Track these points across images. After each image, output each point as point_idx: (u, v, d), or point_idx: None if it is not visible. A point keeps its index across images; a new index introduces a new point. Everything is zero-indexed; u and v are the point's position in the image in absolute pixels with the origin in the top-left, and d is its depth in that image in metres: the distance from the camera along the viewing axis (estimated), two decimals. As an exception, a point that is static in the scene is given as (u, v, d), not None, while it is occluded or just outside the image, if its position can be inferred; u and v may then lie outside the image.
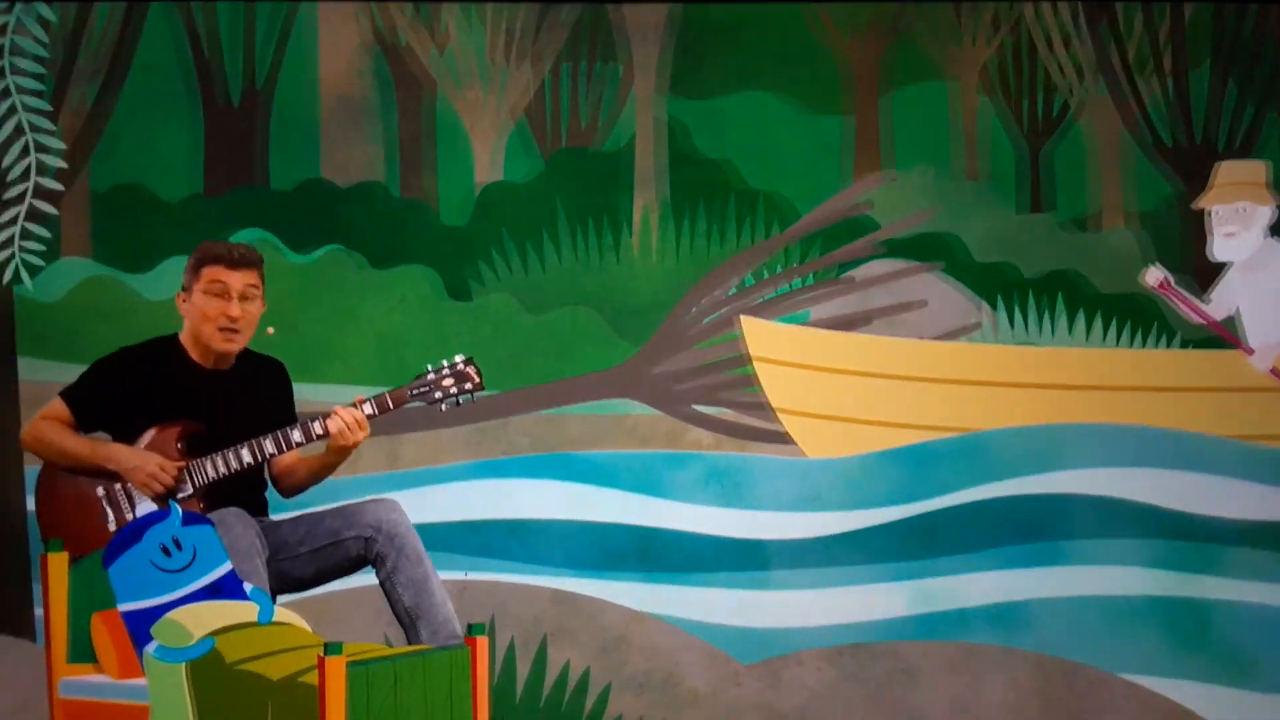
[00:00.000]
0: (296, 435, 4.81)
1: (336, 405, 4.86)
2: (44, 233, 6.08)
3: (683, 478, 6.15)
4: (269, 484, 5.04)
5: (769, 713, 6.10)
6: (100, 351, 5.04)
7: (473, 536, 6.09)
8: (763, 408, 6.16)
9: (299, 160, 6.17)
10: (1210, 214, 6.11)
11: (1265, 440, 6.10)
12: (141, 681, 4.19)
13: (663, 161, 6.20)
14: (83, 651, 4.49)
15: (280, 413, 4.99)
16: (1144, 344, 6.18)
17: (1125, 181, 6.23)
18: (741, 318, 6.06)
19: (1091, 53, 6.23)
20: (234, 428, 4.85)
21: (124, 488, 4.83)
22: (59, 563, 4.53)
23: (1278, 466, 6.13)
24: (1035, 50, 6.25)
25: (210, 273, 4.86)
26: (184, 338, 4.94)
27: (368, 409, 4.84)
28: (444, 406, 4.93)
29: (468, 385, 4.93)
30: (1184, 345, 6.19)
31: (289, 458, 4.98)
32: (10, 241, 6.06)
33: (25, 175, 6.05)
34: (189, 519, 4.34)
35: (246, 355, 4.99)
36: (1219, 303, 6.10)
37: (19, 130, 6.05)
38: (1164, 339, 6.19)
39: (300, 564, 4.81)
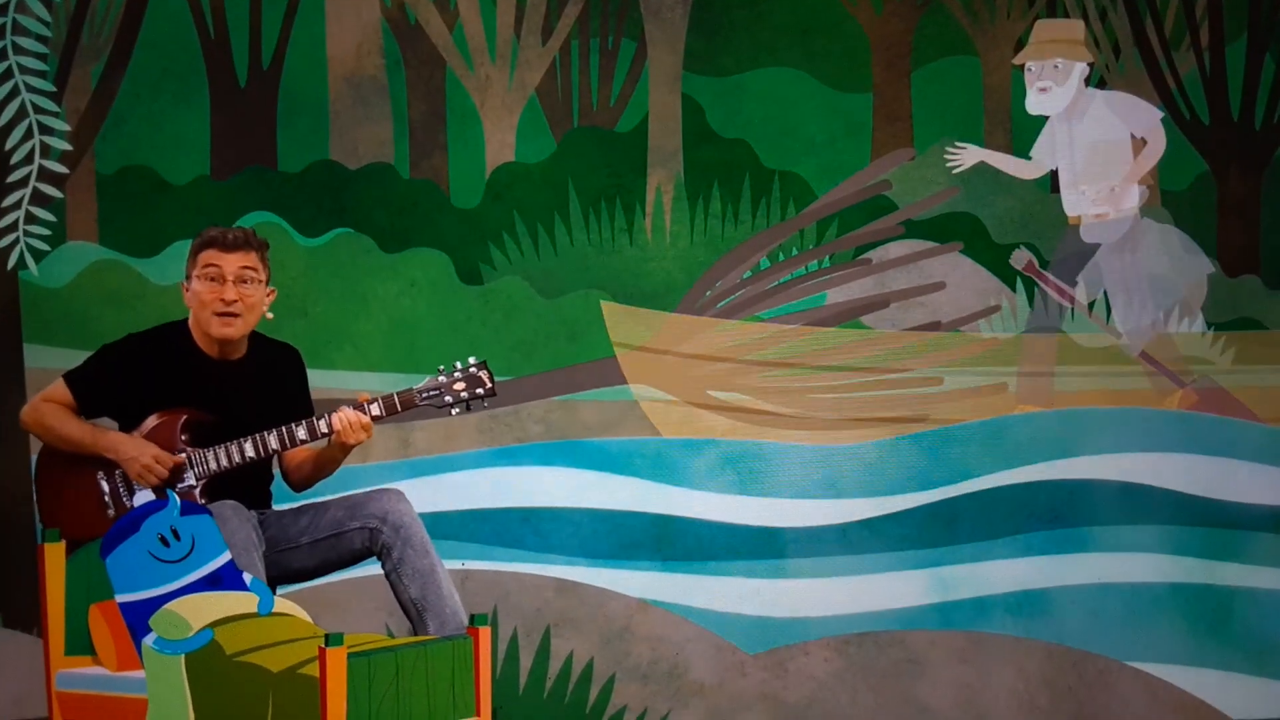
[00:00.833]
0: (301, 433, 4.77)
1: (343, 403, 4.80)
2: (49, 217, 6.06)
3: (698, 464, 6.11)
4: (274, 476, 4.99)
5: (775, 703, 6.06)
6: (108, 337, 5.00)
7: (484, 525, 6.08)
8: (779, 392, 6.09)
9: (307, 142, 6.14)
10: (1027, 70, 6.14)
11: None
12: (140, 674, 4.18)
13: (678, 141, 6.17)
14: (81, 643, 4.48)
15: (293, 402, 4.94)
16: (1166, 325, 6.12)
17: (1158, 158, 6.20)
18: (602, 303, 6.03)
19: (1127, 26, 6.16)
20: (244, 418, 4.80)
21: (123, 476, 4.79)
22: (56, 553, 4.53)
23: (1304, 451, 6.10)
24: (1069, 24, 6.23)
25: (205, 257, 4.82)
26: (191, 326, 4.89)
27: (374, 410, 4.79)
28: (454, 411, 4.86)
29: (479, 390, 4.87)
30: (1206, 327, 6.12)
31: (299, 452, 4.93)
32: (15, 226, 6.04)
33: (29, 158, 6.03)
34: (187, 509, 4.33)
35: (258, 343, 4.94)
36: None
37: (23, 112, 6.03)
38: (1185, 320, 6.12)
39: (303, 555, 4.77)
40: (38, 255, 6.05)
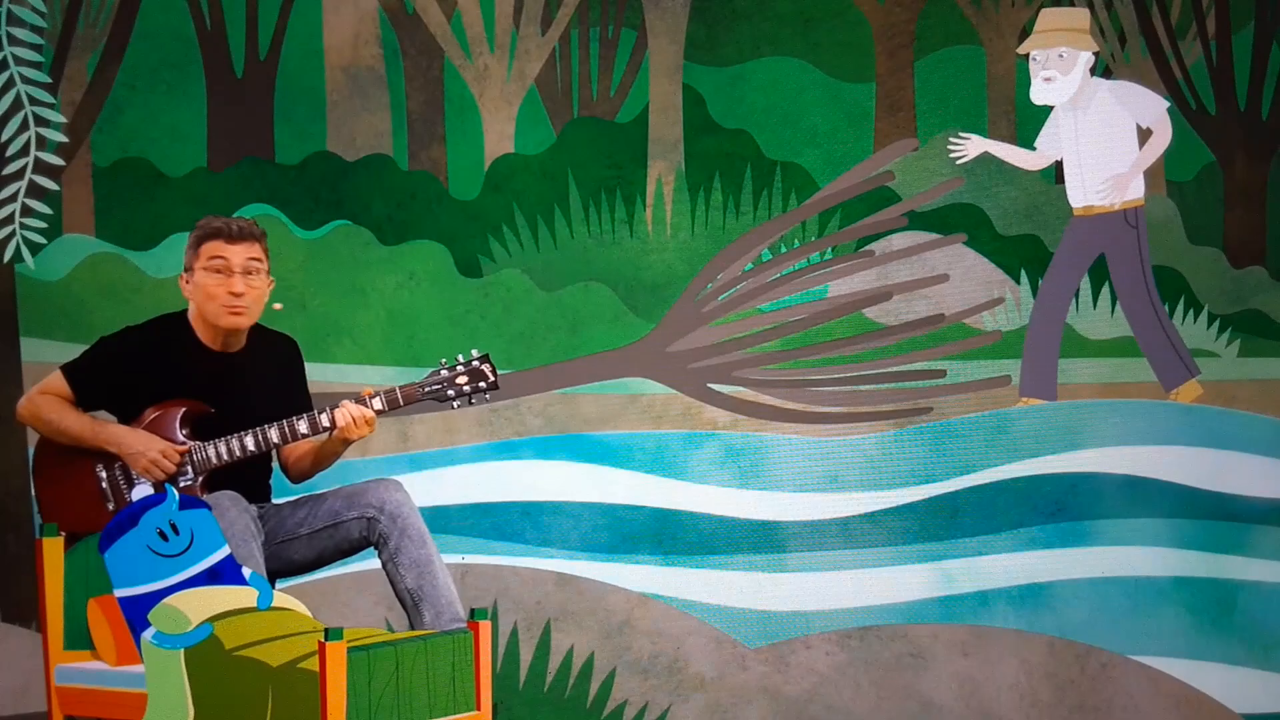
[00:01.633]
0: (303, 427, 4.75)
1: (343, 397, 4.78)
2: (45, 209, 6.04)
3: (698, 458, 6.10)
4: (273, 470, 4.98)
5: (776, 697, 6.04)
6: (105, 330, 4.98)
7: (484, 518, 6.07)
8: (780, 385, 6.08)
9: (305, 133, 6.12)
10: (1032, 59, 6.13)
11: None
12: (139, 668, 4.18)
13: (679, 132, 6.15)
14: (80, 638, 4.47)
15: (292, 394, 4.92)
16: (1170, 317, 6.11)
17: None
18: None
19: (1132, 15, 6.14)
20: (244, 410, 4.79)
21: (122, 468, 4.77)
22: (54, 547, 4.52)
23: (1309, 444, 6.10)
24: (1074, 13, 6.21)
25: (210, 249, 4.79)
26: (191, 318, 4.86)
27: (377, 404, 4.78)
28: (456, 405, 4.85)
29: (482, 384, 4.86)
30: (1211, 319, 6.10)
31: (300, 446, 4.92)
32: (11, 218, 6.02)
33: (25, 150, 6.01)
34: (186, 503, 4.33)
35: (257, 334, 4.92)
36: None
37: (18, 103, 6.01)
38: (1191, 313, 6.11)
39: (301, 547, 4.75)
40: (34, 248, 6.03)
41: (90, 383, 4.82)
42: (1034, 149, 6.13)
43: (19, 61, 5.99)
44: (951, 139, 6.11)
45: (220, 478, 4.75)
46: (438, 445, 6.09)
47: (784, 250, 6.14)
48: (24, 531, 5.86)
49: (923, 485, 6.08)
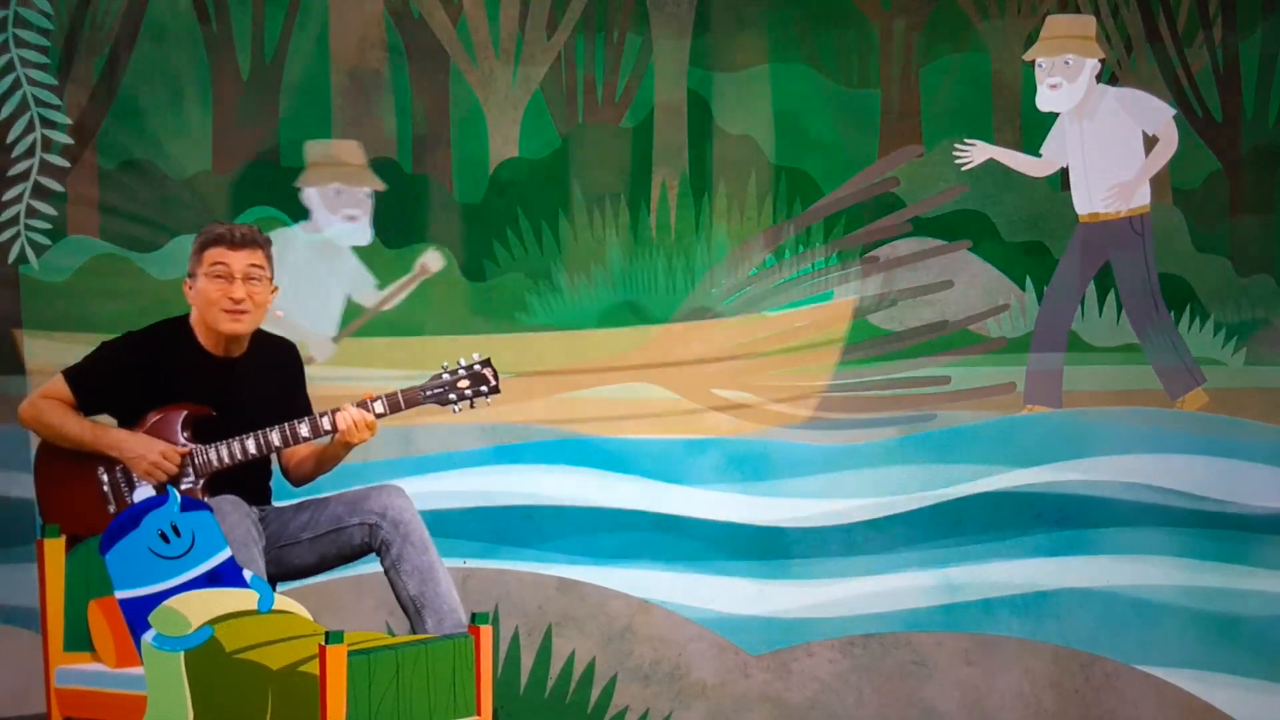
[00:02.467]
0: (304, 430, 4.75)
1: (347, 402, 4.79)
2: (50, 210, 6.05)
3: (701, 463, 6.10)
4: (274, 473, 4.97)
5: (778, 705, 6.04)
6: (109, 332, 4.99)
7: (486, 523, 6.07)
8: (784, 391, 6.07)
9: (310, 136, 6.12)
10: (1038, 66, 6.12)
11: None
12: (139, 670, 4.17)
13: (683, 137, 6.14)
14: (80, 639, 4.46)
15: (292, 397, 4.92)
16: (1176, 325, 6.10)
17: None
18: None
19: (1139, 22, 6.13)
20: (245, 414, 4.79)
21: (123, 470, 4.76)
22: (55, 549, 4.52)
23: (1315, 454, 6.09)
24: (1081, 20, 6.21)
25: (212, 255, 4.80)
26: (193, 323, 4.87)
27: (379, 408, 4.78)
28: (458, 408, 4.84)
29: (484, 387, 4.86)
30: (1216, 328, 6.08)
31: (300, 449, 4.92)
32: (16, 219, 6.03)
33: (31, 151, 6.02)
34: (188, 504, 4.32)
35: (258, 338, 4.92)
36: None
37: (24, 105, 6.02)
38: (1196, 321, 6.10)
39: (303, 551, 4.75)
40: (39, 249, 6.03)
41: (92, 388, 4.81)
42: (1039, 156, 6.13)
43: (25, 63, 6.00)
44: (957, 145, 6.11)
45: (221, 481, 4.74)
46: (439, 449, 6.08)
47: (788, 256, 6.14)
48: (25, 532, 5.86)
49: (927, 492, 6.08)
